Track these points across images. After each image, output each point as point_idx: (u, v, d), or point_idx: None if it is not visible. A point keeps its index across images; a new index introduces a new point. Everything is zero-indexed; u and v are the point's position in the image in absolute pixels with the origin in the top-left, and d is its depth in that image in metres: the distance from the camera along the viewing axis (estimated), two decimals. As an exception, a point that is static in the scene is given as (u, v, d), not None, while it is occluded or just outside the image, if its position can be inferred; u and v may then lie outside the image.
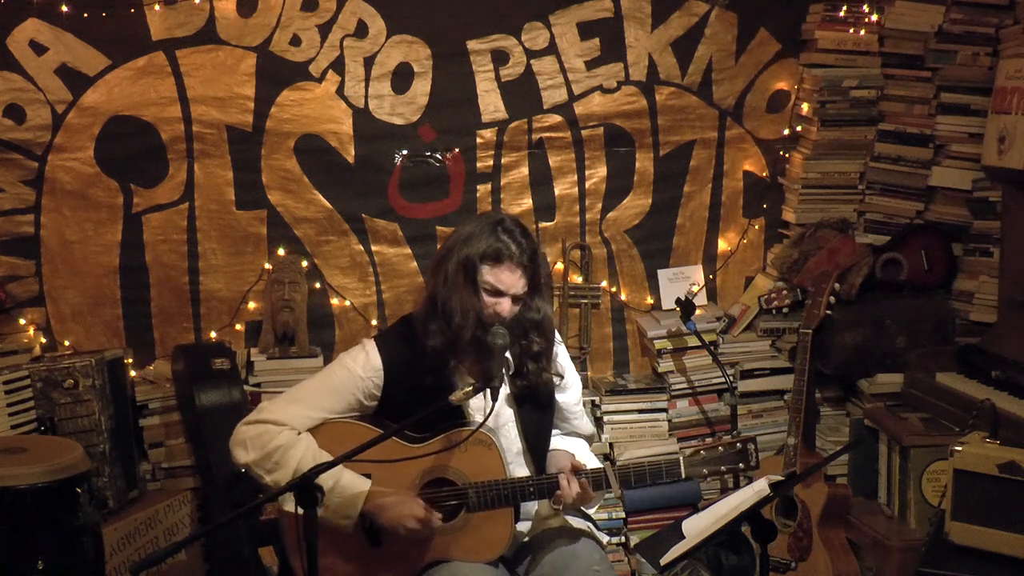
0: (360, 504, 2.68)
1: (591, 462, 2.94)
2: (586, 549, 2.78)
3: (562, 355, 3.03)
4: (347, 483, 2.68)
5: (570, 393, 3.05)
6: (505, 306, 2.76)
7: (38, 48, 3.86)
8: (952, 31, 4.21)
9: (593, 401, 4.20)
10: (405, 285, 4.24)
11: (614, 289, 4.41)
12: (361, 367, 2.80)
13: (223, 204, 4.10)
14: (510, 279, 2.75)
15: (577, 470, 2.75)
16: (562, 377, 2.98)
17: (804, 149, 4.33)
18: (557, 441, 3.05)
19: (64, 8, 3.83)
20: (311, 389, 2.84)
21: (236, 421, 2.82)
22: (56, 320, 4.02)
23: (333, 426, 2.79)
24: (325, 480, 2.52)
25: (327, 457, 2.69)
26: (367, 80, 4.10)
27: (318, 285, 4.18)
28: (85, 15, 3.86)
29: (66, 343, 4.02)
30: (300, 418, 2.76)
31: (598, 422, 4.19)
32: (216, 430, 3.70)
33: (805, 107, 4.31)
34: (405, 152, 4.17)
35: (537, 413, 2.93)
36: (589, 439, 3.16)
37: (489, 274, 2.75)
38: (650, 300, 4.43)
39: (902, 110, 4.29)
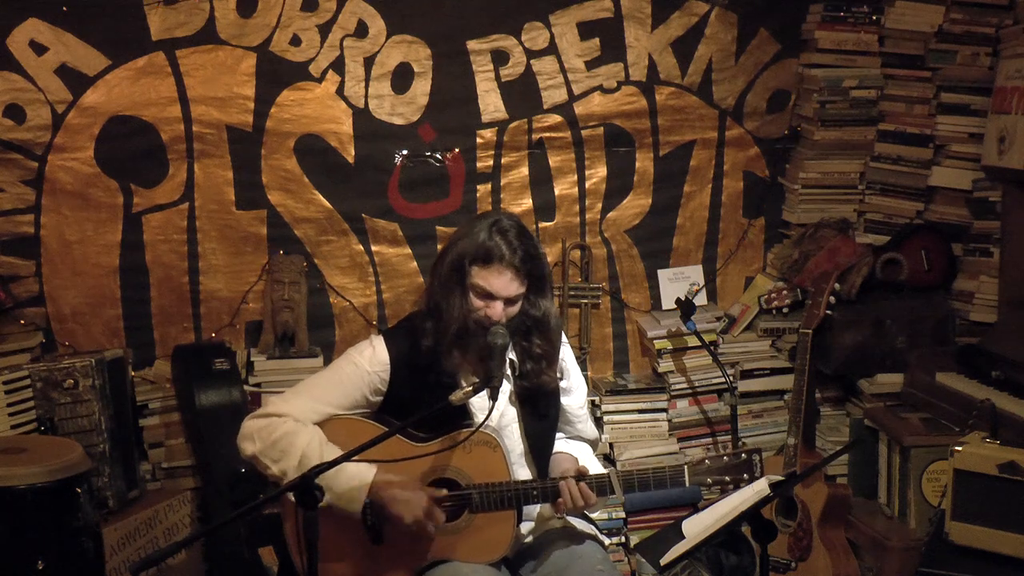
0: (369, 479, 2.65)
1: (594, 466, 2.93)
2: (589, 550, 2.79)
3: (568, 358, 3.01)
4: (352, 468, 2.66)
5: (575, 397, 3.04)
6: (496, 309, 2.73)
7: (38, 48, 3.86)
8: (952, 31, 4.21)
9: (593, 401, 4.20)
10: (405, 285, 4.24)
11: (614, 289, 4.41)
12: (368, 361, 2.80)
13: (223, 204, 4.10)
14: (499, 282, 2.72)
15: (581, 475, 2.75)
16: (563, 378, 2.98)
17: (804, 149, 4.33)
18: (561, 444, 3.04)
19: (64, 8, 3.84)
20: (317, 383, 2.84)
21: (236, 421, 2.82)
22: (56, 320, 4.02)
23: (339, 422, 2.79)
24: (328, 471, 2.51)
25: (332, 446, 2.70)
26: (367, 80, 4.11)
27: (318, 285, 4.18)
28: (85, 15, 3.86)
29: (66, 343, 4.02)
30: (306, 412, 2.76)
31: (598, 422, 4.19)
32: (216, 430, 3.71)
33: (805, 107, 4.31)
34: (405, 152, 4.17)
35: (541, 415, 2.92)
36: (593, 443, 3.14)
37: (478, 276, 2.72)
38: (650, 300, 4.43)
39: (902, 110, 4.29)
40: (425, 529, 2.68)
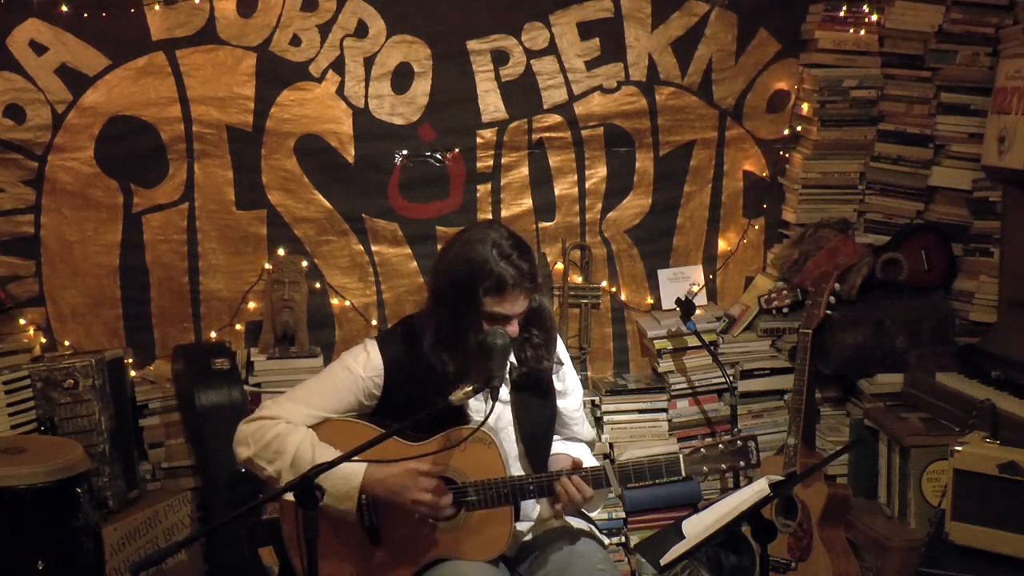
0: (360, 477, 2.65)
1: (591, 464, 2.93)
2: (589, 549, 2.78)
3: (565, 360, 3.02)
4: (344, 467, 2.65)
5: (570, 399, 3.04)
6: (514, 327, 2.75)
7: (38, 48, 3.86)
8: (952, 31, 4.20)
9: (593, 401, 4.20)
10: (405, 285, 4.24)
11: (614, 289, 4.41)
12: (362, 367, 2.80)
13: (223, 204, 4.10)
14: (513, 306, 2.73)
15: (576, 467, 2.75)
16: (561, 364, 2.97)
17: (804, 149, 4.33)
18: (558, 446, 3.05)
19: (64, 8, 3.84)
20: (312, 388, 2.84)
21: (236, 421, 2.82)
22: (56, 320, 4.02)
23: (333, 424, 2.79)
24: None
25: (326, 446, 2.70)
26: (367, 80, 4.11)
27: (318, 285, 4.18)
28: (85, 15, 3.86)
29: (66, 343, 4.02)
30: (299, 416, 2.76)
31: (598, 422, 4.20)
32: (216, 430, 3.71)
33: (805, 107, 4.31)
34: (405, 152, 4.17)
35: (537, 417, 2.92)
36: (590, 445, 3.15)
37: (494, 305, 2.71)
38: (650, 300, 4.43)
39: (902, 110, 4.28)
40: (436, 508, 2.67)
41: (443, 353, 2.77)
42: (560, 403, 2.99)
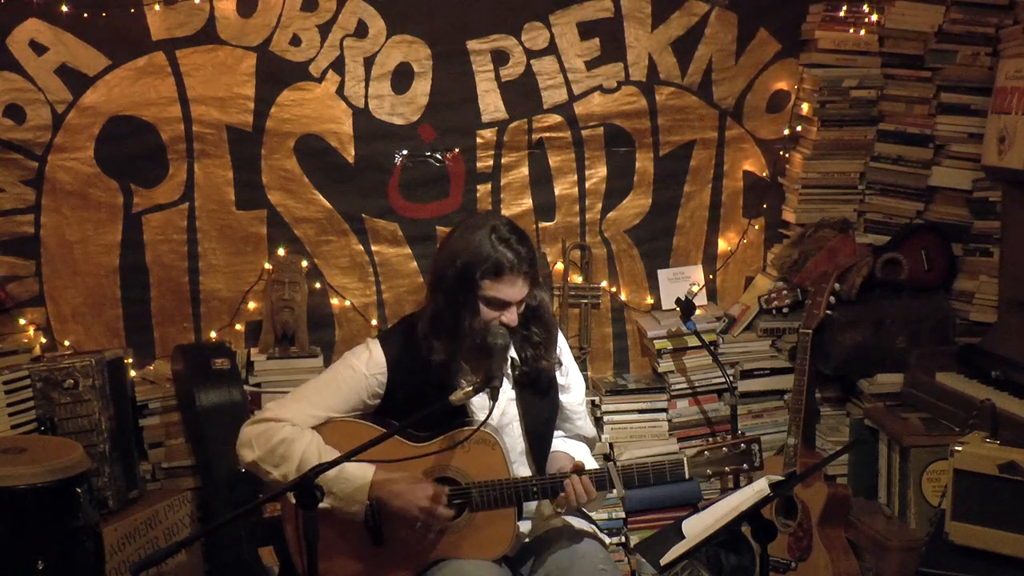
0: (369, 478, 2.66)
1: (592, 465, 2.93)
2: (591, 548, 2.79)
3: (566, 355, 3.03)
4: (352, 469, 2.67)
5: (573, 394, 3.05)
6: (513, 315, 2.76)
7: (38, 48, 3.86)
8: (952, 31, 4.20)
9: (593, 401, 4.20)
10: (405, 285, 4.24)
11: (614, 289, 4.41)
12: (365, 365, 2.81)
13: (223, 204, 4.10)
14: (511, 290, 2.74)
15: (579, 470, 2.75)
16: (562, 363, 2.98)
17: (804, 149, 4.33)
18: (559, 443, 3.05)
19: (64, 8, 3.84)
20: (315, 388, 2.85)
21: (236, 421, 2.83)
22: (56, 320, 4.02)
23: (337, 425, 2.79)
24: (328, 474, 2.51)
25: (331, 451, 2.70)
26: (367, 80, 4.11)
27: (318, 285, 4.18)
28: (85, 15, 3.86)
29: (66, 343, 4.02)
30: (304, 416, 2.77)
31: (598, 422, 4.20)
32: (216, 430, 3.71)
33: (805, 107, 4.31)
34: (405, 152, 4.17)
35: (540, 413, 2.93)
36: (591, 442, 3.15)
37: (491, 289, 2.73)
38: (650, 300, 4.43)
39: (902, 110, 4.28)
40: (433, 517, 2.68)
41: (436, 342, 2.77)
42: (562, 397, 3.00)
